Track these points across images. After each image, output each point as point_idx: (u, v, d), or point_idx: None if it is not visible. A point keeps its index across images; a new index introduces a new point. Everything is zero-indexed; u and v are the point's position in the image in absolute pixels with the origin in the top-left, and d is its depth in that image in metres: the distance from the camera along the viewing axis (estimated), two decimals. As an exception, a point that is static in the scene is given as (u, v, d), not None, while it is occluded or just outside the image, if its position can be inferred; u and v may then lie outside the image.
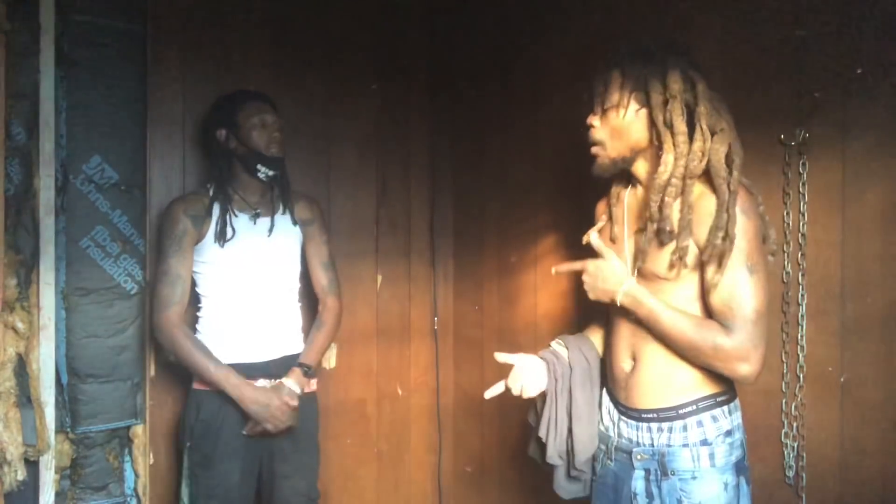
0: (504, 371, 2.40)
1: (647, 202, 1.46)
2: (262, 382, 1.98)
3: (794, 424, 1.70)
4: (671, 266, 1.42)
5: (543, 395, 1.67)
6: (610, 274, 1.48)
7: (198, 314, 2.03)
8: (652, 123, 1.44)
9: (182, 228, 1.95)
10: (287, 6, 2.43)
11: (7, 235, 1.90)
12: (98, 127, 2.15)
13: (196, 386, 1.98)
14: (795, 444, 1.70)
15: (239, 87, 2.28)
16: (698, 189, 1.41)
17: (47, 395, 1.99)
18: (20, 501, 1.95)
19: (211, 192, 2.03)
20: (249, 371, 1.97)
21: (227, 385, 1.90)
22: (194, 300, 2.03)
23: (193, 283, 2.01)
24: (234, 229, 1.99)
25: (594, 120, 1.50)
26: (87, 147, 2.14)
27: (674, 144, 1.40)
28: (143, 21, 2.17)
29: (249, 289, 2.03)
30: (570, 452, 1.61)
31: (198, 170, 2.25)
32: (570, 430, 1.61)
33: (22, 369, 1.96)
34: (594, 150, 1.52)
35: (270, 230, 2.05)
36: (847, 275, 1.62)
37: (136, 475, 2.22)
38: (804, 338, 1.68)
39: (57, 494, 2.05)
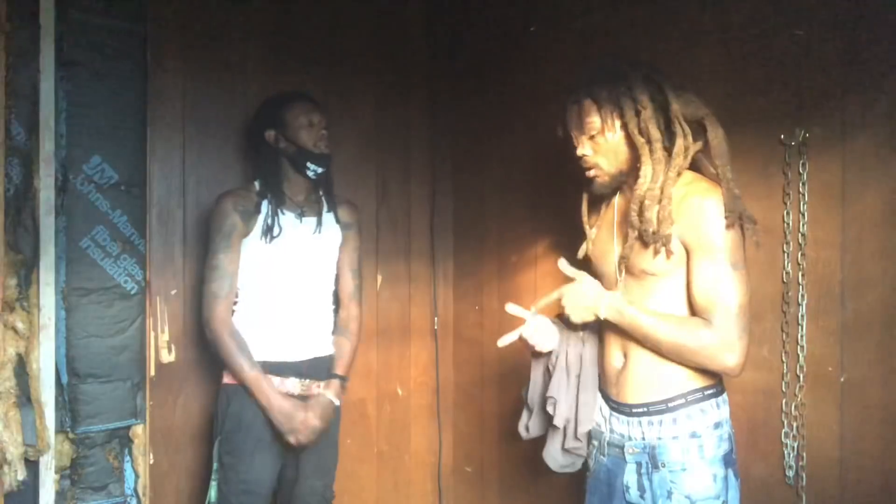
0: (504, 372, 2.39)
1: (628, 216, 1.51)
2: (292, 381, 1.99)
3: (794, 424, 1.70)
4: (656, 252, 1.46)
5: (541, 366, 1.70)
6: (587, 292, 1.53)
7: (233, 307, 2.00)
8: (629, 139, 1.49)
9: (231, 223, 1.96)
10: (287, 6, 2.43)
11: (7, 235, 1.90)
12: (98, 127, 2.15)
13: (226, 380, 1.98)
14: (795, 444, 1.70)
15: (241, 88, 2.30)
16: (683, 190, 1.44)
17: (47, 395, 1.99)
18: (20, 501, 1.95)
19: (258, 189, 2.04)
20: (282, 370, 1.98)
21: (257, 390, 1.91)
22: None
23: None
24: (280, 227, 2.01)
25: (584, 150, 1.55)
26: (87, 147, 2.14)
27: (650, 152, 1.46)
28: (143, 21, 2.17)
29: (290, 287, 2.03)
30: (573, 420, 1.63)
31: (198, 169, 2.25)
32: (577, 397, 1.63)
33: (22, 369, 1.96)
34: (591, 173, 1.57)
35: (318, 228, 2.08)
36: (847, 275, 1.62)
37: (136, 475, 2.22)
38: (804, 338, 1.68)
39: (57, 494, 2.05)
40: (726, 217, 1.40)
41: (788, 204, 1.70)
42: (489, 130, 2.60)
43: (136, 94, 2.19)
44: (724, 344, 1.39)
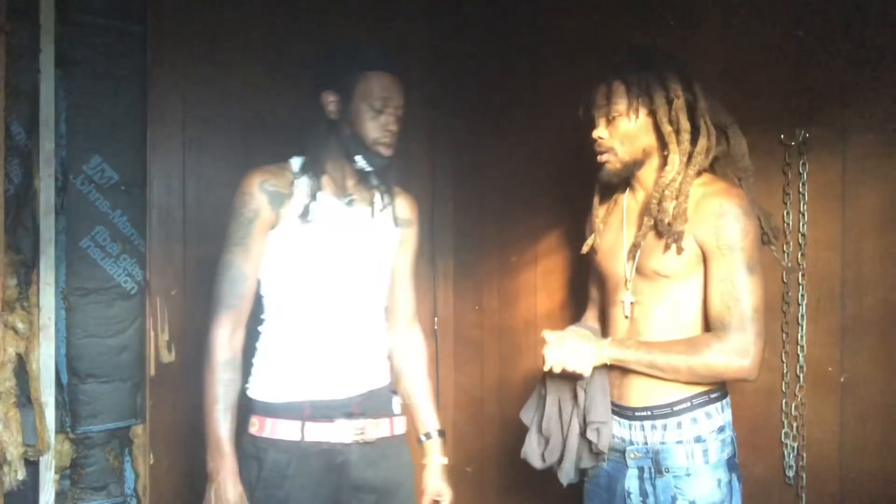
0: (504, 372, 2.38)
1: (648, 204, 1.49)
2: (342, 426, 1.55)
3: (794, 424, 1.70)
4: (666, 247, 1.44)
5: (566, 389, 1.59)
6: (580, 340, 1.50)
7: (258, 328, 1.60)
8: (656, 127, 1.48)
9: (254, 208, 1.52)
10: (288, 7, 2.43)
11: (7, 235, 1.90)
12: (98, 127, 2.15)
13: (253, 431, 1.55)
14: (795, 444, 1.70)
15: (241, 88, 2.26)
16: (700, 190, 1.44)
17: (47, 395, 1.99)
18: (20, 501, 1.95)
19: (298, 168, 1.60)
20: (327, 411, 1.54)
21: (218, 467, 1.50)
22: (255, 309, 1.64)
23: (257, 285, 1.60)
24: (320, 210, 1.57)
25: (601, 132, 1.53)
26: (87, 147, 2.14)
27: (678, 143, 1.45)
28: (143, 21, 2.17)
29: (339, 295, 1.59)
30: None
31: (198, 169, 2.25)
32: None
33: (22, 369, 1.96)
34: (603, 157, 1.54)
35: (372, 220, 1.65)
36: (847, 275, 1.62)
37: (136, 475, 2.22)
38: (804, 338, 1.68)
39: (57, 494, 2.05)
40: (769, 234, 1.44)
41: (788, 204, 1.70)
42: (489, 130, 2.60)
43: (136, 94, 2.19)
44: (738, 350, 1.38)
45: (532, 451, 1.63)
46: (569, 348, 1.48)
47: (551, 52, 2.33)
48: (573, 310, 2.23)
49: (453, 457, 2.79)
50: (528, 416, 1.67)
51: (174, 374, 2.18)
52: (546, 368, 1.50)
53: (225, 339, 1.53)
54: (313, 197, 1.57)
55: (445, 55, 2.77)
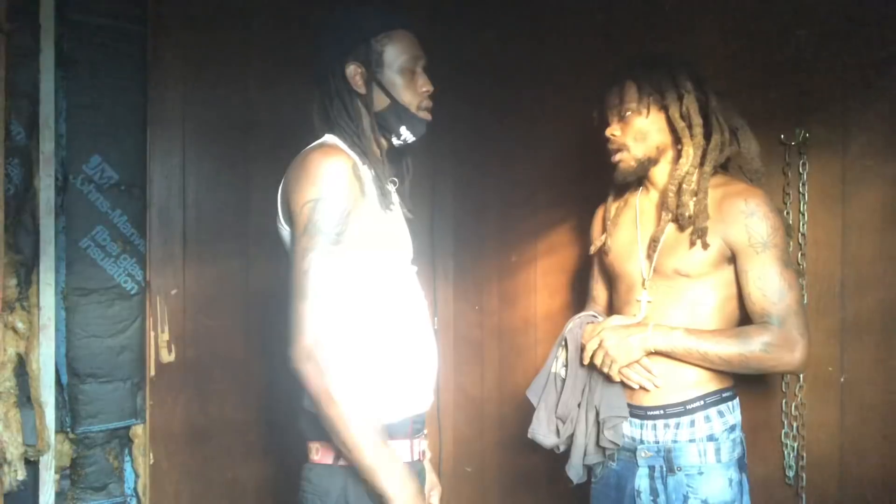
0: (504, 372, 2.37)
1: (664, 199, 1.51)
2: (425, 443, 1.43)
3: (794, 424, 1.70)
4: (691, 244, 1.45)
5: (582, 374, 1.58)
6: (628, 329, 1.48)
7: (358, 334, 1.32)
8: (669, 123, 1.49)
9: (352, 198, 1.26)
10: (288, 6, 2.43)
11: (7, 235, 1.90)
12: (98, 127, 2.15)
13: (342, 461, 1.29)
14: (795, 444, 1.70)
15: (241, 88, 2.26)
16: (720, 191, 1.45)
17: (47, 395, 1.99)
18: (20, 501, 1.95)
19: (346, 147, 1.37)
20: (421, 424, 1.40)
21: (402, 480, 1.22)
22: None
23: None
24: (390, 199, 1.39)
25: (614, 130, 1.54)
26: (87, 147, 2.14)
27: (691, 136, 1.47)
28: (143, 21, 2.17)
29: (415, 285, 1.43)
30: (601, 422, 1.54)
31: (198, 169, 2.24)
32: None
33: (22, 369, 1.96)
34: (617, 156, 1.55)
35: (404, 209, 1.48)
36: (847, 275, 1.62)
37: (136, 475, 2.22)
38: (804, 338, 1.68)
39: (57, 494, 2.05)
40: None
41: (788, 204, 1.70)
42: (489, 130, 2.60)
43: (136, 94, 2.19)
44: (788, 343, 1.38)
45: (541, 430, 1.60)
46: (612, 342, 1.48)
47: (552, 52, 2.33)
48: (573, 310, 2.23)
49: (453, 457, 2.80)
50: (535, 394, 1.64)
51: (174, 374, 2.18)
52: (598, 363, 1.50)
53: (339, 354, 1.23)
54: (387, 179, 1.39)
55: (445, 55, 2.76)
